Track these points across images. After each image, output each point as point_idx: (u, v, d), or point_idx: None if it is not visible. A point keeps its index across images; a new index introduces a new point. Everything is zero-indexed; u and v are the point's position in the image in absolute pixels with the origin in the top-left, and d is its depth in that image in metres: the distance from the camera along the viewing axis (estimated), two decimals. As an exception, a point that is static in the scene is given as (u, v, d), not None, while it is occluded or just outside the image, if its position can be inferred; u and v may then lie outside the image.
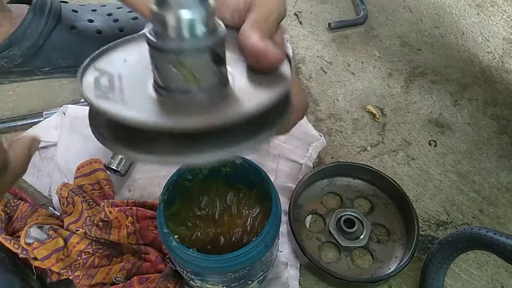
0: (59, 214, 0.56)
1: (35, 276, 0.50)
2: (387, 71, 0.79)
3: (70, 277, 0.49)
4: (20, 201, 0.55)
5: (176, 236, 0.42)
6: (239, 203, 0.48)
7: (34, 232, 0.49)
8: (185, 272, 0.44)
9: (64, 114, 0.62)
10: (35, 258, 0.49)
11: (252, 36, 0.27)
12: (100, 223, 0.51)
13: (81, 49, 0.69)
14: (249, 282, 0.46)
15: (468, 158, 0.67)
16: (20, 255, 0.49)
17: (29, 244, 0.48)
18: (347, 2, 0.90)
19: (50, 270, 0.50)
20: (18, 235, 0.51)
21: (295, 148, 0.63)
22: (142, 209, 0.53)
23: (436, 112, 0.73)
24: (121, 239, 0.50)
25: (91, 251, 0.50)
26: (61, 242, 0.49)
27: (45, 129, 0.62)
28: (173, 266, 0.48)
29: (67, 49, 0.68)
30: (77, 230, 0.51)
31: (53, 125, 0.62)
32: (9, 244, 0.50)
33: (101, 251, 0.51)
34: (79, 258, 0.50)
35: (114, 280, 0.48)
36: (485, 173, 0.66)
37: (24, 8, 0.66)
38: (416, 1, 0.91)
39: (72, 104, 0.64)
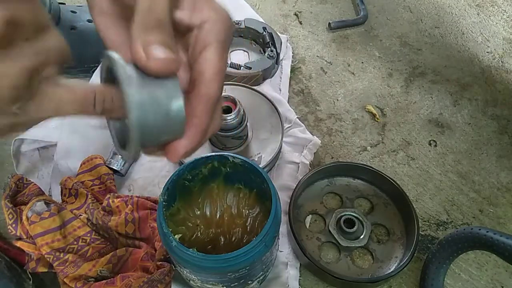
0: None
1: (30, 281, 0.50)
2: (387, 71, 0.79)
3: (55, 265, 0.48)
4: (31, 182, 0.55)
5: (176, 236, 0.42)
6: (239, 203, 0.48)
7: (40, 206, 0.50)
8: (185, 272, 0.44)
9: (64, 114, 0.62)
10: (20, 238, 0.50)
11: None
12: (102, 212, 0.52)
13: (82, 49, 0.69)
14: (249, 282, 0.46)
15: (468, 158, 0.67)
16: (9, 228, 0.50)
17: (28, 218, 0.49)
18: (347, 2, 0.90)
19: (38, 259, 0.50)
20: (20, 208, 0.51)
21: (292, 151, 0.64)
22: (143, 199, 0.53)
23: (436, 112, 0.73)
24: (118, 226, 0.51)
25: (88, 240, 0.51)
26: (57, 222, 0.50)
27: (45, 129, 0.62)
28: (162, 271, 0.48)
29: (68, 49, 0.68)
30: (80, 215, 0.52)
31: (53, 125, 0.62)
32: (6, 211, 0.50)
33: (98, 242, 0.51)
34: (75, 242, 0.50)
35: (99, 273, 0.48)
36: (485, 173, 0.66)
37: None
38: (416, 1, 0.91)
39: (72, 104, 0.64)
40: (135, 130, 0.24)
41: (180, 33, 0.29)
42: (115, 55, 0.25)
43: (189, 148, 0.28)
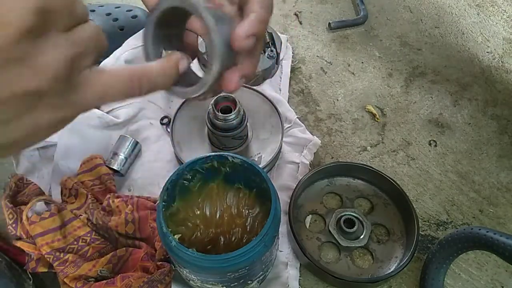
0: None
1: (31, 282, 0.50)
2: (387, 71, 0.79)
3: (55, 265, 0.48)
4: (31, 182, 0.55)
5: (176, 236, 0.42)
6: (239, 203, 0.48)
7: (40, 206, 0.50)
8: (184, 272, 0.44)
9: (64, 114, 0.62)
10: (20, 238, 0.50)
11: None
12: (102, 212, 0.52)
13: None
14: (249, 282, 0.46)
15: (468, 158, 0.67)
16: (9, 228, 0.50)
17: (28, 218, 0.49)
18: (347, 2, 0.90)
19: (38, 259, 0.50)
20: (20, 208, 0.51)
21: (292, 151, 0.64)
22: (143, 199, 0.53)
23: (436, 112, 0.73)
24: (118, 226, 0.51)
25: (88, 240, 0.51)
26: (57, 222, 0.50)
27: (45, 129, 0.62)
28: (162, 272, 0.48)
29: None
30: (80, 216, 0.52)
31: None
32: (6, 211, 0.50)
33: (98, 242, 0.51)
34: (75, 242, 0.50)
35: (99, 273, 0.48)
36: (485, 173, 0.66)
37: None
38: (416, 1, 0.91)
39: (72, 104, 0.64)
40: (219, 51, 0.31)
41: None
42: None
43: (253, 30, 0.32)
